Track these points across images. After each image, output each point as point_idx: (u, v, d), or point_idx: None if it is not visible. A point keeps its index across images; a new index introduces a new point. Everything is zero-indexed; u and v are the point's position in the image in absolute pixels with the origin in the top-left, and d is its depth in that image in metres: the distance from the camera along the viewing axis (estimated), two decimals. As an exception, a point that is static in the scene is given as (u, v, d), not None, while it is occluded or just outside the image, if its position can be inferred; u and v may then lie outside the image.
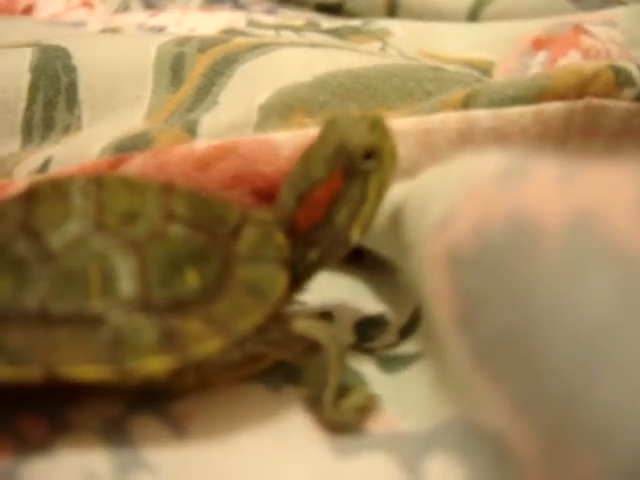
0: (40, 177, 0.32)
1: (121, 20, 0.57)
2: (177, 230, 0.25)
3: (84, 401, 0.25)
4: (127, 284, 0.24)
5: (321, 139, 0.26)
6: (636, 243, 0.16)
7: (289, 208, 0.26)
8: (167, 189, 0.26)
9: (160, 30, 0.55)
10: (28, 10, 0.65)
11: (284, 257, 0.26)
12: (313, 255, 0.27)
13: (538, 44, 0.54)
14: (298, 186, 0.26)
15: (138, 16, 0.58)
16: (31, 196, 0.25)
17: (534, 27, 0.55)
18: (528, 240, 0.18)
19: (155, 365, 0.23)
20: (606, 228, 0.16)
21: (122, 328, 0.23)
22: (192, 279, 0.24)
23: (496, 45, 0.55)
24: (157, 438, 0.24)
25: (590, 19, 0.55)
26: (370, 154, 0.26)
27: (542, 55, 0.53)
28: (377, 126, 0.26)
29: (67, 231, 0.24)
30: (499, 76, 0.53)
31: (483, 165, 0.22)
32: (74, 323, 0.23)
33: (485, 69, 0.53)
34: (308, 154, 0.27)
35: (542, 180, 0.19)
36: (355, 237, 0.27)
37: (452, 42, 0.56)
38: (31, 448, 0.23)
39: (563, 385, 0.16)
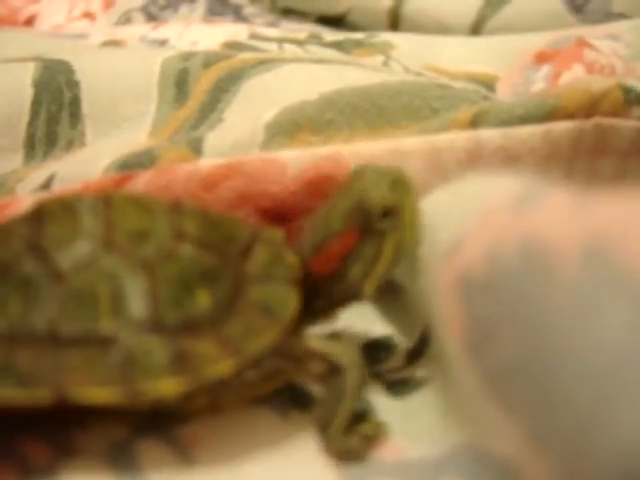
0: (47, 195, 0.32)
1: (123, 32, 0.57)
2: (187, 250, 0.25)
3: (89, 424, 0.25)
4: (137, 304, 0.24)
5: (344, 190, 0.27)
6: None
7: (305, 253, 0.26)
8: (176, 208, 0.26)
9: (162, 43, 0.55)
10: (30, 21, 0.65)
11: (295, 277, 0.26)
12: (320, 303, 0.26)
13: (541, 58, 0.54)
14: (316, 234, 0.26)
15: (140, 28, 0.58)
16: (40, 215, 0.25)
17: (537, 41, 0.55)
18: (542, 268, 0.18)
19: (167, 387, 0.23)
20: (621, 256, 0.16)
21: (133, 349, 0.23)
22: (203, 299, 0.24)
23: (499, 59, 0.55)
24: (163, 463, 0.24)
25: (593, 33, 0.55)
26: (388, 213, 0.26)
27: (545, 69, 0.53)
28: (399, 184, 0.26)
29: (76, 251, 0.24)
30: (502, 90, 0.53)
31: (496, 189, 0.22)
32: (84, 344, 0.23)
33: (488, 83, 0.53)
34: (330, 203, 0.27)
35: (556, 206, 0.19)
36: (367, 293, 0.27)
37: (455, 56, 0.56)
38: (35, 474, 0.23)
39: (578, 417, 0.16)
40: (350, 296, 0.27)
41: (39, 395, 0.22)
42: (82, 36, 0.55)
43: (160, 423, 0.25)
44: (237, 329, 0.24)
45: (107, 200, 0.25)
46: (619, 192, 0.18)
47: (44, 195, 0.33)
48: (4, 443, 0.24)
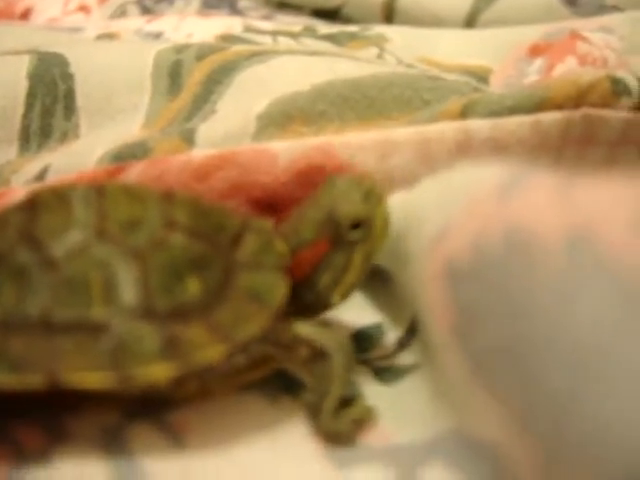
0: (40, 186, 0.32)
1: (118, 25, 0.57)
2: (178, 238, 0.25)
3: (82, 410, 0.25)
4: (129, 292, 0.24)
5: (316, 199, 0.27)
6: (632, 261, 0.16)
7: None
8: (168, 197, 0.26)
9: (157, 36, 0.55)
10: (26, 14, 0.66)
11: (284, 265, 0.26)
12: (290, 309, 0.27)
13: (535, 51, 0.54)
14: (288, 241, 0.27)
15: (135, 21, 0.58)
16: (33, 204, 0.26)
17: (531, 33, 0.56)
18: (526, 255, 0.18)
19: (158, 372, 0.23)
20: (603, 246, 0.16)
21: (124, 336, 0.23)
22: (194, 287, 0.25)
23: (493, 51, 0.56)
24: (155, 448, 0.24)
25: (587, 25, 0.56)
26: (359, 225, 0.26)
27: (539, 61, 0.53)
28: (371, 195, 0.27)
29: (69, 239, 0.25)
30: (496, 82, 0.54)
31: (481, 178, 0.22)
32: (76, 331, 0.24)
33: (482, 75, 0.53)
34: (301, 211, 0.27)
35: (540, 195, 0.19)
36: (335, 302, 0.27)
37: (449, 48, 0.57)
38: (29, 458, 0.23)
39: (556, 399, 0.16)
40: (319, 305, 0.27)
41: (32, 380, 0.23)
42: (77, 29, 0.55)
43: (151, 408, 0.25)
44: (227, 315, 0.25)
45: (100, 190, 0.26)
46: (601, 180, 0.19)
47: (38, 186, 0.33)
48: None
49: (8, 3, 0.67)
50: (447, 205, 0.23)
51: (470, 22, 0.63)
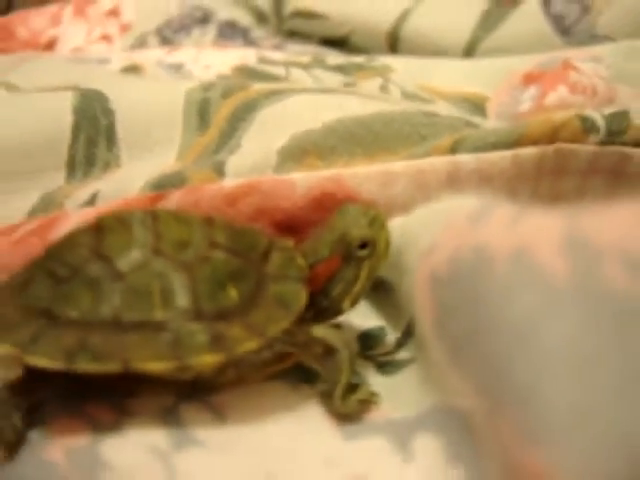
0: (96, 210, 0.40)
1: (141, 57, 0.64)
2: (219, 255, 0.33)
3: (142, 393, 0.33)
4: (182, 298, 0.32)
5: (330, 223, 0.35)
6: (555, 270, 0.24)
7: None
8: (209, 222, 0.34)
9: (178, 67, 0.63)
10: (51, 43, 0.73)
11: (304, 276, 0.34)
12: (307, 315, 0.34)
13: (529, 79, 0.60)
14: (307, 257, 0.34)
15: (156, 52, 0.65)
16: (99, 227, 0.33)
17: (525, 62, 0.62)
18: (484, 267, 0.26)
19: (207, 360, 0.31)
20: (535, 259, 0.24)
21: (180, 332, 0.31)
22: (233, 294, 0.32)
23: (490, 80, 0.62)
24: (202, 421, 0.32)
25: (578, 55, 0.62)
26: (365, 245, 0.34)
27: (532, 89, 0.59)
28: (376, 221, 0.35)
29: (132, 256, 0.32)
30: (492, 109, 0.60)
31: (459, 207, 0.30)
32: (142, 329, 0.31)
33: (479, 103, 0.60)
34: (318, 233, 0.35)
35: (499, 221, 0.27)
36: (346, 308, 0.36)
37: (448, 77, 0.63)
38: (104, 429, 0.31)
39: (499, 366, 0.24)
40: (331, 311, 0.35)
41: (110, 367, 0.30)
42: (104, 60, 0.63)
43: (199, 392, 0.33)
44: (260, 317, 0.32)
45: (154, 215, 0.33)
46: (544, 211, 0.27)
47: (91, 210, 0.41)
48: (76, 406, 0.32)
49: (33, 33, 0.75)
50: (433, 227, 0.31)
51: (470, 50, 0.70)
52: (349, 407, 0.33)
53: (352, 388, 0.34)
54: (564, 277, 0.24)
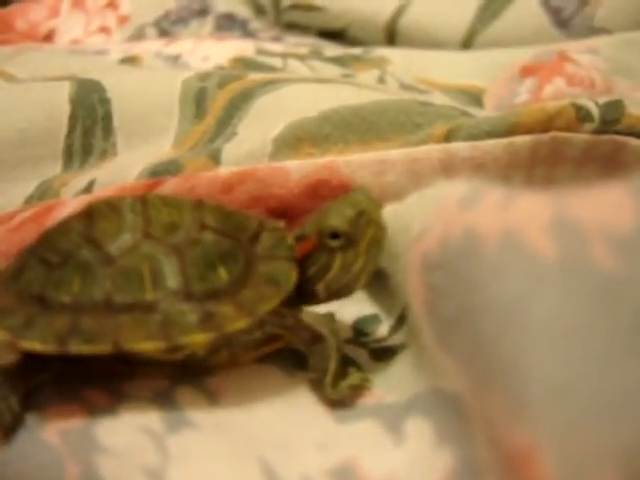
0: (90, 197, 0.40)
1: (139, 48, 0.65)
2: (209, 237, 0.33)
3: (136, 378, 0.34)
4: (172, 279, 0.32)
5: (331, 205, 0.34)
6: (542, 250, 0.24)
7: None
8: (198, 205, 0.34)
9: (176, 58, 0.63)
10: (50, 35, 0.74)
11: (294, 256, 0.34)
12: (293, 300, 0.34)
13: (526, 71, 0.61)
14: (293, 235, 0.35)
15: (154, 44, 0.66)
16: (90, 213, 0.34)
17: (522, 55, 0.63)
18: (474, 248, 0.26)
19: (198, 339, 0.32)
20: (524, 240, 0.25)
21: (171, 313, 0.32)
22: (223, 274, 0.33)
23: (487, 72, 0.62)
24: (196, 404, 0.33)
25: (575, 47, 0.63)
26: (340, 237, 0.34)
27: (529, 82, 0.60)
28: (362, 215, 0.33)
29: (122, 240, 0.33)
30: (489, 101, 0.61)
31: (449, 192, 0.30)
32: (133, 310, 0.32)
33: (476, 95, 0.61)
34: (321, 208, 0.35)
35: (487, 205, 0.27)
36: (319, 291, 0.35)
37: (446, 70, 0.64)
38: (99, 412, 0.32)
39: (487, 343, 0.24)
40: (308, 291, 0.35)
41: (101, 349, 0.31)
42: (102, 52, 0.64)
43: (193, 376, 0.34)
44: (250, 295, 0.33)
45: (143, 200, 0.34)
46: (533, 194, 0.27)
47: (87, 197, 0.41)
48: (72, 390, 0.33)
49: (32, 24, 0.75)
50: (425, 212, 0.31)
51: (467, 43, 0.70)
52: (340, 393, 0.33)
53: (343, 374, 0.34)
54: (551, 257, 0.24)
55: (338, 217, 0.34)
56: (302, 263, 0.35)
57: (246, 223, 0.35)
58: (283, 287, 0.33)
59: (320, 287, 0.35)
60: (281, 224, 0.36)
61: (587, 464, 0.21)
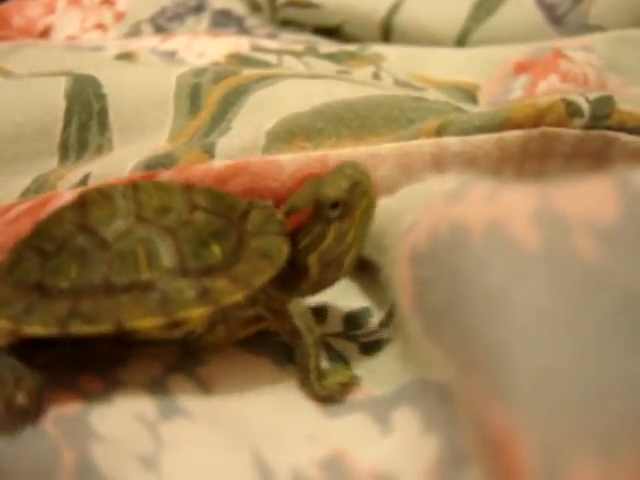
0: (84, 187, 0.41)
1: (135, 44, 0.66)
2: (200, 216, 0.34)
3: (131, 364, 0.34)
4: (167, 258, 0.33)
5: (319, 179, 0.35)
6: (526, 241, 0.25)
7: None
8: (188, 187, 0.35)
9: (172, 54, 0.64)
10: (46, 31, 0.75)
11: (285, 230, 0.35)
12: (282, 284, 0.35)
13: (520, 68, 0.62)
14: (284, 207, 0.36)
15: (150, 40, 0.67)
16: (82, 202, 0.35)
17: (516, 52, 0.64)
18: (461, 240, 0.27)
19: (196, 314, 0.32)
20: (508, 232, 0.26)
21: (168, 290, 0.32)
22: (216, 251, 0.34)
23: (481, 69, 0.63)
24: (189, 392, 0.33)
25: (569, 44, 0.63)
26: (337, 206, 0.34)
27: (523, 78, 0.61)
28: (358, 186, 0.35)
29: (116, 225, 0.34)
30: (484, 98, 0.62)
31: (439, 186, 0.31)
32: (131, 290, 0.32)
33: (471, 92, 0.62)
34: (307, 184, 0.36)
35: (474, 199, 0.28)
36: (311, 262, 0.36)
37: (441, 66, 0.65)
38: (94, 399, 0.32)
39: (472, 331, 0.25)
40: (300, 263, 0.36)
41: (102, 328, 0.32)
42: (99, 48, 0.64)
43: (186, 364, 0.35)
44: (244, 269, 0.33)
45: (134, 186, 0.35)
46: (519, 187, 0.28)
47: (82, 188, 0.42)
48: (67, 378, 0.33)
49: (29, 20, 0.76)
50: (414, 206, 0.32)
51: (462, 40, 0.71)
52: (328, 390, 0.34)
53: (330, 370, 0.35)
54: (535, 248, 0.25)
55: (336, 188, 0.34)
56: (294, 237, 0.35)
57: (235, 203, 0.36)
58: (276, 260, 0.34)
59: (313, 259, 0.36)
60: (269, 202, 0.36)
61: (565, 449, 0.22)
